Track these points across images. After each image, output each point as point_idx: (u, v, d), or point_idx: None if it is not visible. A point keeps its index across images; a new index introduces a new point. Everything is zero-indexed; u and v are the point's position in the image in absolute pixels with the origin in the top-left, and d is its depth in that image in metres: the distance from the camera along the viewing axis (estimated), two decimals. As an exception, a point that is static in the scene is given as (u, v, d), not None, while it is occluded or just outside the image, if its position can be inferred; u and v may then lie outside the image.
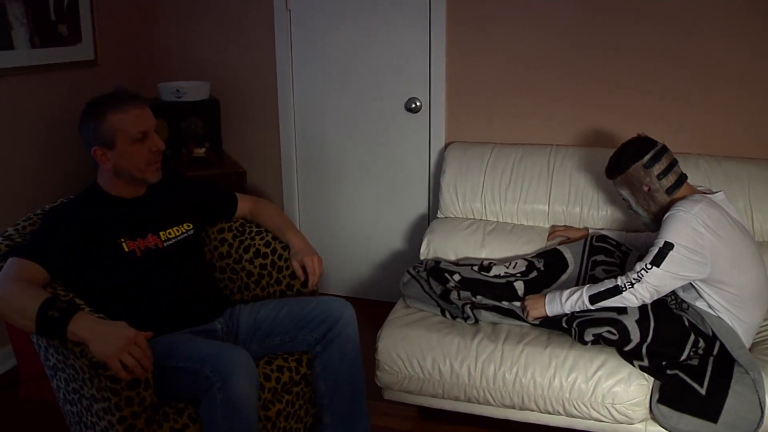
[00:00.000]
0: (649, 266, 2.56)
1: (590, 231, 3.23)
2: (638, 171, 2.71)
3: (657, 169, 2.69)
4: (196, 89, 3.76)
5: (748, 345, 2.69)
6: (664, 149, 2.73)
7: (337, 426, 2.56)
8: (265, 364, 2.51)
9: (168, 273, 2.51)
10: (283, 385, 2.52)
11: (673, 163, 2.72)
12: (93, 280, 2.36)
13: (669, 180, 2.70)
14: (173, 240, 2.56)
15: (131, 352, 2.03)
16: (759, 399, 2.50)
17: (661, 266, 2.54)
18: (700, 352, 2.66)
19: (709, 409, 2.53)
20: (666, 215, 2.61)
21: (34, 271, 2.22)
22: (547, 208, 3.39)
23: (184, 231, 2.61)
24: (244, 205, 2.90)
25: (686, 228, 2.54)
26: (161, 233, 2.54)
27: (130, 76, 4.12)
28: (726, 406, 2.51)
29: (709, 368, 2.61)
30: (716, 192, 2.73)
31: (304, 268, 2.68)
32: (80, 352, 2.07)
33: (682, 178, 2.72)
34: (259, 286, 2.86)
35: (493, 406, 2.80)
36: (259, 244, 2.84)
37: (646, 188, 2.72)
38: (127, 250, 2.43)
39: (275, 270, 2.81)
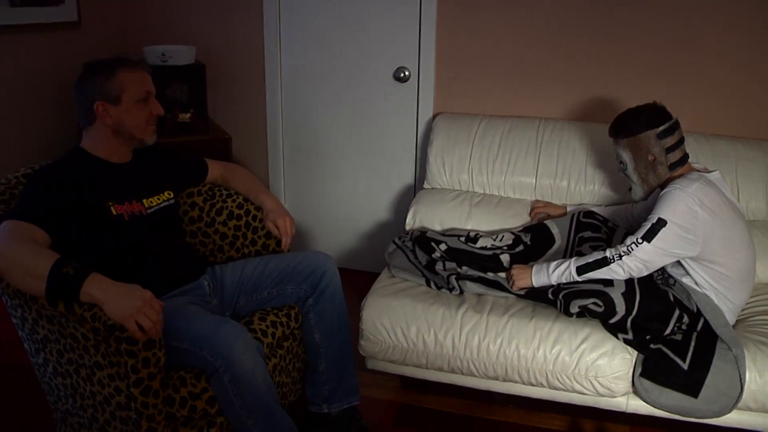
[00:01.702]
0: (640, 240, 2.56)
1: (568, 208, 3.23)
2: (649, 139, 2.68)
3: (668, 142, 2.67)
4: (182, 53, 3.70)
5: (732, 323, 2.71)
6: (677, 124, 2.70)
7: (332, 372, 2.68)
8: (259, 321, 2.56)
9: (153, 238, 2.53)
10: (277, 340, 2.57)
11: (682, 140, 2.70)
12: (82, 243, 2.34)
13: (675, 155, 2.69)
14: (156, 207, 2.58)
15: (146, 314, 2.03)
16: (740, 375, 2.51)
17: (652, 242, 2.54)
18: (684, 327, 2.67)
19: (691, 383, 2.54)
20: (662, 192, 2.61)
21: (35, 233, 2.19)
22: (534, 181, 3.38)
23: (165, 199, 2.64)
24: (215, 169, 2.92)
25: (681, 206, 2.53)
26: (144, 201, 2.55)
27: (114, 39, 4.05)
28: (707, 382, 2.53)
29: (693, 344, 2.62)
30: (712, 171, 2.72)
31: (278, 228, 2.75)
32: (92, 316, 2.04)
33: (685, 157, 2.71)
34: (233, 248, 2.88)
35: (476, 377, 2.80)
36: (232, 206, 2.86)
37: (651, 158, 2.69)
38: (115, 213, 2.43)
39: (250, 231, 2.84)
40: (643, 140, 2.68)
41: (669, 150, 2.67)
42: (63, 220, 2.28)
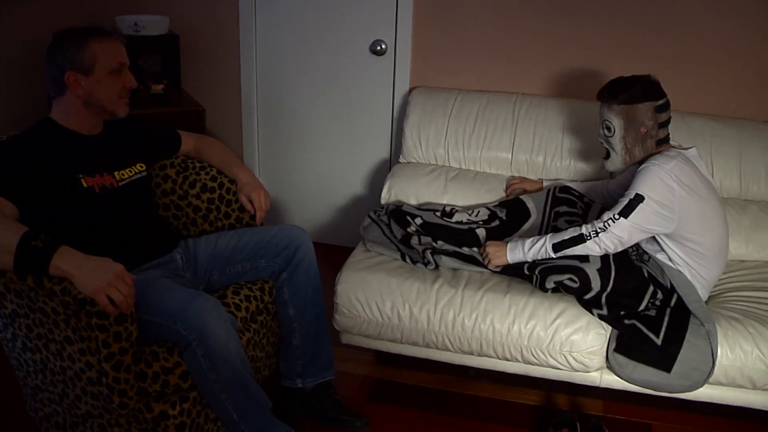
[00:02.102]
0: (616, 217, 2.56)
1: (544, 183, 3.23)
2: (647, 110, 2.64)
3: (662, 117, 2.65)
4: (155, 24, 3.64)
5: (704, 299, 2.73)
6: (669, 102, 2.69)
7: (306, 347, 2.68)
8: (233, 294, 2.54)
9: (125, 211, 2.49)
10: (251, 314, 2.55)
11: (670, 119, 2.69)
12: (52, 216, 2.30)
13: (663, 132, 2.68)
14: (127, 180, 2.53)
15: (117, 287, 1.99)
16: (712, 350, 2.53)
17: (629, 218, 2.54)
18: (658, 303, 2.69)
19: (664, 359, 2.56)
20: (640, 168, 2.60)
21: (3, 205, 2.15)
22: (510, 156, 3.37)
23: (137, 171, 2.59)
24: (188, 141, 2.88)
25: (659, 182, 2.53)
26: (116, 173, 2.50)
27: (85, 8, 3.96)
28: (680, 357, 2.55)
29: (666, 319, 2.63)
30: (689, 148, 2.72)
31: (252, 202, 2.71)
32: (61, 290, 2.01)
33: (668, 136, 2.71)
34: (207, 221, 2.85)
35: (451, 351, 2.80)
36: (205, 179, 2.83)
37: (644, 130, 2.66)
38: (86, 186, 2.39)
39: (224, 204, 2.82)
40: (640, 110, 2.64)
41: (661, 125, 2.66)
42: (31, 192, 2.24)
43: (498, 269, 2.80)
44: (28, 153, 2.30)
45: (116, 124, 2.58)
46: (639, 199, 2.53)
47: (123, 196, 2.49)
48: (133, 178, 2.56)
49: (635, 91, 2.64)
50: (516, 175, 3.39)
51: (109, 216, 2.43)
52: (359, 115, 3.93)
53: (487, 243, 2.83)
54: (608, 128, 2.71)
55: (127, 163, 2.57)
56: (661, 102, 2.64)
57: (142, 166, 2.62)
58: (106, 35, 2.42)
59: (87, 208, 2.38)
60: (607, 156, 2.77)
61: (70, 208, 2.34)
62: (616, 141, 2.70)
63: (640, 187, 2.54)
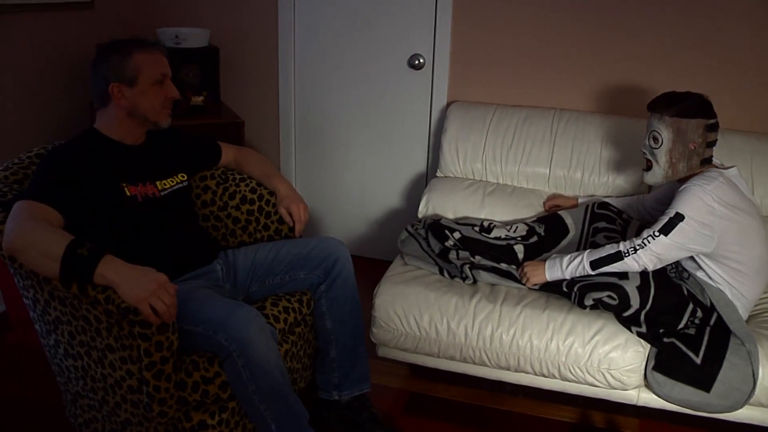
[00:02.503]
0: (657, 234, 2.54)
1: (579, 200, 3.21)
2: (699, 127, 2.60)
3: (711, 136, 2.63)
4: (196, 36, 3.68)
5: (745, 318, 2.69)
6: (719, 124, 2.67)
7: (343, 359, 2.69)
8: (272, 306, 2.55)
9: (166, 220, 2.51)
10: (289, 326, 2.56)
11: (716, 141, 2.66)
12: (96, 224, 2.33)
13: (709, 152, 2.65)
14: (169, 190, 2.56)
15: (160, 297, 2.02)
16: (753, 371, 2.50)
17: (669, 236, 2.53)
18: (697, 321, 2.66)
19: (703, 378, 2.53)
20: (682, 187, 2.58)
21: (49, 213, 2.18)
22: (548, 171, 3.36)
23: (179, 181, 2.62)
24: (229, 153, 2.91)
25: (700, 203, 2.51)
26: (158, 183, 2.53)
27: (127, 20, 4.03)
28: (720, 377, 2.52)
29: (706, 338, 2.61)
30: (730, 167, 2.69)
31: (291, 214, 2.73)
32: (105, 298, 2.03)
33: (712, 157, 2.68)
34: (246, 233, 2.86)
35: (488, 366, 2.79)
36: (245, 191, 2.85)
37: (692, 146, 2.62)
38: (128, 194, 2.42)
39: (263, 215, 2.83)
40: (692, 126, 2.60)
41: (709, 145, 2.63)
42: (76, 201, 2.27)
43: (536, 287, 2.79)
44: (72, 162, 2.33)
45: (159, 135, 2.61)
46: (679, 218, 2.51)
47: (165, 206, 2.52)
48: (174, 188, 2.59)
49: (689, 106, 2.61)
50: (554, 190, 3.38)
51: (151, 225, 2.46)
52: (396, 129, 3.94)
53: (525, 263, 2.83)
54: (655, 139, 2.66)
55: (168, 173, 2.59)
56: (712, 121, 2.62)
57: (183, 176, 2.65)
58: (149, 46, 2.45)
59: (130, 216, 2.41)
60: (649, 168, 2.72)
61: (114, 216, 2.37)
62: (662, 153, 2.65)
63: (681, 206, 2.53)
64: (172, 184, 2.59)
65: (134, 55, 2.39)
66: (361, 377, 2.71)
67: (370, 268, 3.79)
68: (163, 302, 2.02)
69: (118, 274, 2.02)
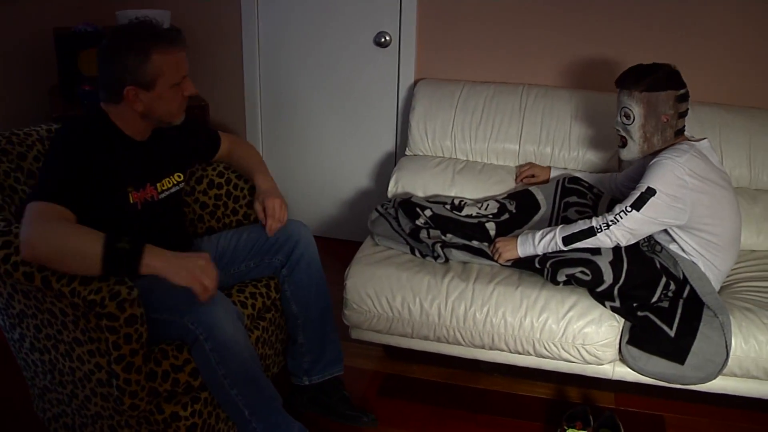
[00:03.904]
0: (628, 209, 2.53)
1: (552, 171, 3.21)
2: (670, 98, 2.59)
3: (682, 107, 2.61)
4: (157, 18, 3.58)
5: (717, 289, 2.71)
6: (689, 93, 2.65)
7: (312, 343, 2.64)
8: (238, 293, 2.51)
9: (158, 223, 2.43)
10: (258, 311, 2.53)
11: (688, 110, 2.66)
12: (94, 225, 2.17)
13: (681, 123, 2.64)
14: (166, 192, 2.47)
15: (207, 274, 2.07)
16: (726, 342, 2.51)
17: (641, 210, 2.52)
18: (671, 294, 2.67)
19: (677, 350, 2.54)
20: (653, 161, 2.57)
21: (65, 214, 2.07)
22: (518, 147, 3.34)
23: (175, 182, 2.52)
24: (225, 144, 2.77)
25: (671, 176, 2.50)
26: (158, 185, 2.43)
27: (86, 3, 3.93)
28: (693, 349, 2.53)
29: (679, 311, 2.61)
30: (701, 139, 2.68)
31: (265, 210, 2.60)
32: (70, 291, 1.98)
33: (684, 128, 2.67)
34: (214, 218, 2.82)
35: (462, 345, 2.78)
36: (212, 175, 2.80)
37: (664, 119, 2.61)
38: (131, 201, 2.32)
39: (231, 200, 2.78)
40: (662, 98, 2.59)
41: (681, 115, 2.62)
42: (86, 202, 2.16)
43: (508, 263, 2.77)
44: (86, 159, 2.18)
45: (164, 128, 2.46)
46: (651, 192, 2.50)
47: (160, 210, 2.43)
48: (171, 190, 2.49)
49: (658, 78, 2.59)
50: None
51: (145, 230, 2.34)
52: (364, 108, 3.91)
53: (497, 239, 2.81)
54: (627, 116, 2.65)
55: (167, 172, 2.48)
56: (682, 91, 2.60)
57: (180, 177, 2.54)
58: (168, 43, 2.23)
59: (126, 222, 2.31)
60: (624, 145, 2.71)
61: (112, 220, 2.24)
62: (635, 129, 2.64)
63: (652, 180, 2.52)
64: (170, 185, 2.48)
65: (153, 56, 2.18)
66: (332, 361, 2.68)
67: (341, 249, 3.76)
68: (210, 278, 2.07)
69: (164, 261, 2.04)
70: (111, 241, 1.99)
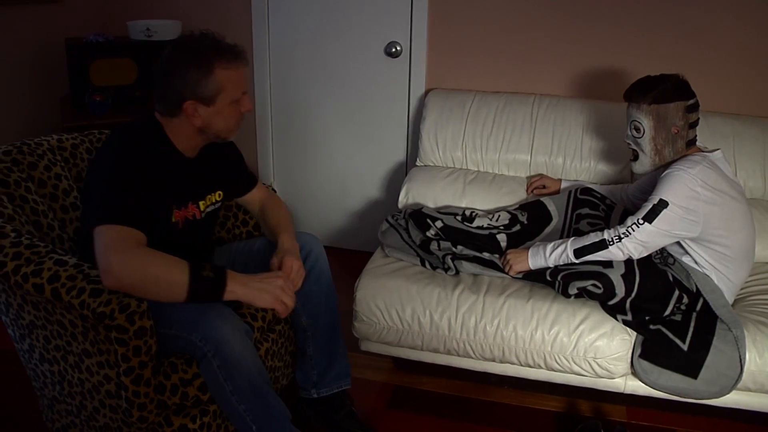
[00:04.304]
0: (641, 222, 2.51)
1: (563, 183, 3.19)
2: (679, 110, 2.56)
3: (692, 117, 2.59)
4: (167, 28, 3.62)
5: (730, 302, 2.68)
6: (698, 103, 2.62)
7: (320, 356, 2.62)
8: (247, 306, 2.47)
9: (192, 241, 2.41)
10: (268, 323, 2.51)
11: (698, 120, 2.63)
12: None
13: (692, 133, 2.62)
14: (208, 210, 2.44)
15: (288, 293, 2.17)
16: (740, 356, 2.48)
17: (653, 223, 2.49)
18: (683, 307, 2.64)
19: (690, 365, 2.51)
20: (665, 173, 2.54)
21: (139, 238, 2.06)
22: (529, 158, 3.33)
23: (216, 200, 2.49)
24: (260, 191, 2.68)
25: (684, 188, 2.48)
26: (200, 203, 2.40)
27: (97, 14, 3.95)
28: (707, 363, 2.50)
29: (692, 324, 2.58)
30: (714, 150, 2.66)
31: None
32: (80, 303, 1.98)
33: (695, 138, 2.65)
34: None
35: (472, 358, 2.76)
36: None
37: (675, 130, 2.58)
38: (173, 220, 2.30)
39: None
40: (672, 110, 2.56)
41: (691, 126, 2.60)
42: (146, 219, 2.14)
43: (519, 275, 2.75)
44: (142, 175, 2.14)
45: (212, 145, 2.41)
46: (663, 204, 2.48)
47: (197, 229, 2.40)
48: (209, 209, 2.45)
49: (665, 90, 2.56)
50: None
51: (179, 247, 2.26)
52: (374, 118, 3.90)
53: (508, 251, 2.79)
54: (637, 129, 2.63)
55: (210, 189, 2.44)
56: (691, 102, 2.58)
57: (220, 195, 2.50)
58: (231, 58, 2.19)
59: (166, 241, 2.22)
60: (636, 158, 2.68)
61: (154, 237, 2.19)
62: (646, 142, 2.62)
63: (665, 192, 2.49)
64: (211, 202, 2.45)
65: (216, 72, 2.15)
66: (340, 374, 2.65)
67: (351, 260, 3.75)
68: (290, 296, 2.17)
69: (246, 287, 2.11)
70: (196, 271, 2.04)
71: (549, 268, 2.68)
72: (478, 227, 2.94)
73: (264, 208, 2.65)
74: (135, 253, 2.00)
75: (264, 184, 2.74)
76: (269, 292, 2.13)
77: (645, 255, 2.59)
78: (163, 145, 2.25)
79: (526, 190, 3.25)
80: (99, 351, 2.07)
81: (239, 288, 2.10)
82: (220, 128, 2.26)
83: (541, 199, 3.06)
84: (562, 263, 2.65)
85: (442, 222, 2.93)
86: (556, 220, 2.96)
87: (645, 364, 2.55)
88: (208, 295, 2.06)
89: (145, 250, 2.04)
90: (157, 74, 2.20)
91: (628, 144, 2.69)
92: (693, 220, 2.51)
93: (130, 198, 2.08)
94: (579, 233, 2.76)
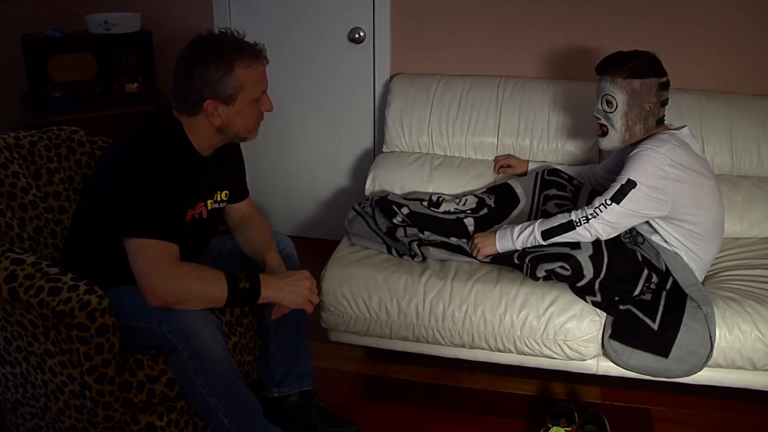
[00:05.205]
0: (608, 202, 2.49)
1: (530, 164, 3.17)
2: (652, 86, 2.53)
3: (664, 95, 2.57)
4: (126, 21, 3.57)
5: (701, 279, 2.68)
6: (669, 82, 2.60)
7: (284, 354, 2.60)
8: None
9: (194, 237, 2.38)
10: (236, 318, 2.50)
11: (668, 99, 2.61)
12: None
13: (662, 111, 2.60)
14: (213, 208, 2.41)
15: (314, 292, 2.27)
16: (710, 333, 2.48)
17: (621, 203, 2.47)
18: (653, 287, 2.63)
19: (661, 344, 2.51)
20: (633, 152, 2.52)
21: (174, 251, 2.10)
22: (496, 140, 3.30)
23: (222, 199, 2.46)
24: (247, 205, 2.63)
25: (652, 167, 2.46)
26: (209, 201, 2.38)
27: (53, 7, 3.87)
28: (677, 341, 2.50)
29: (662, 303, 2.58)
30: (681, 128, 2.64)
31: None
32: (38, 302, 1.95)
33: (664, 117, 2.63)
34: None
35: (442, 345, 2.74)
36: None
37: (648, 107, 2.55)
38: (186, 219, 2.27)
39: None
40: (646, 86, 2.53)
41: (663, 103, 2.58)
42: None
43: (487, 259, 2.73)
44: (168, 182, 2.12)
45: (224, 146, 2.39)
46: (631, 184, 2.46)
47: (202, 227, 2.38)
48: (215, 207, 2.43)
49: (640, 65, 2.53)
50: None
51: (186, 244, 2.24)
52: (340, 105, 3.86)
53: (476, 235, 2.77)
54: (609, 103, 2.57)
55: (219, 187, 2.43)
56: (664, 79, 2.56)
57: (226, 194, 2.48)
58: (252, 57, 2.19)
59: (174, 238, 2.19)
60: (604, 134, 2.64)
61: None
62: (617, 117, 2.57)
63: (632, 172, 2.47)
64: (218, 199, 2.43)
65: (236, 70, 2.13)
66: (303, 374, 2.62)
67: (319, 249, 3.71)
68: (317, 294, 2.29)
69: (279, 291, 2.21)
70: (234, 283, 2.11)
71: (517, 250, 2.66)
72: (445, 212, 2.91)
73: (247, 222, 2.60)
74: (176, 272, 2.06)
75: None
76: (300, 294, 2.23)
77: (614, 236, 2.57)
78: (182, 145, 2.23)
79: (494, 169, 3.23)
80: (61, 351, 2.05)
81: (273, 293, 2.19)
82: (239, 128, 2.25)
83: (509, 181, 3.03)
84: (529, 245, 2.63)
85: (408, 208, 2.90)
86: (523, 203, 2.94)
87: (616, 344, 2.54)
88: (244, 303, 2.20)
89: (185, 267, 2.10)
90: (175, 73, 2.18)
91: (598, 119, 2.64)
92: (662, 199, 2.50)
93: (160, 209, 2.09)
94: (547, 215, 2.74)
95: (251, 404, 2.23)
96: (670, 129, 2.63)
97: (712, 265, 2.81)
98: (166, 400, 2.21)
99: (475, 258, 2.75)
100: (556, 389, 2.89)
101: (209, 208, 2.38)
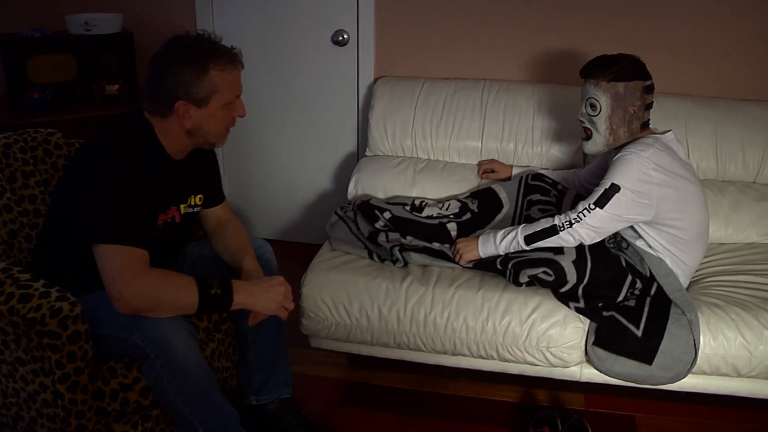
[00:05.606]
0: (592, 207, 2.46)
1: (514, 169, 3.15)
2: (636, 89, 2.51)
3: (649, 98, 2.55)
4: (107, 22, 3.53)
5: (685, 285, 2.66)
6: (654, 85, 2.58)
7: (263, 361, 2.55)
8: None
9: (166, 241, 2.34)
10: (214, 324, 2.46)
11: (653, 103, 2.59)
12: None
13: (647, 115, 2.58)
14: (186, 212, 2.38)
15: (289, 298, 2.23)
16: (694, 340, 2.46)
17: (605, 208, 2.45)
18: (637, 293, 2.61)
19: (645, 351, 2.49)
20: (617, 156, 2.50)
21: (143, 256, 2.06)
22: (480, 144, 3.28)
23: (197, 203, 2.43)
24: (223, 210, 2.59)
25: (635, 171, 2.43)
26: (182, 206, 2.34)
27: (33, 7, 3.83)
28: (661, 348, 2.47)
29: (646, 309, 2.56)
30: (666, 132, 2.62)
31: None
32: (8, 309, 1.93)
33: (649, 121, 2.60)
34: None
35: (424, 351, 2.71)
36: None
37: (632, 110, 2.53)
38: (158, 224, 2.24)
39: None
40: (630, 89, 2.51)
41: (648, 107, 2.56)
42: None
43: (470, 265, 2.70)
44: (137, 186, 2.09)
45: (197, 150, 2.37)
46: (615, 188, 2.43)
47: (175, 230, 2.35)
48: (188, 211, 2.39)
49: (625, 68, 2.52)
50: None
51: (156, 249, 2.19)
52: (324, 108, 3.83)
53: (458, 240, 2.74)
54: (593, 106, 2.56)
55: (192, 191, 2.39)
56: (648, 83, 2.54)
57: (200, 199, 2.44)
58: (227, 60, 2.16)
59: (145, 242, 2.16)
60: (588, 137, 2.61)
61: None
62: (601, 120, 2.55)
63: (616, 176, 2.44)
64: (191, 205, 2.40)
65: (211, 72, 2.11)
66: (283, 381, 2.58)
67: (301, 253, 3.67)
68: (291, 300, 2.24)
69: (251, 297, 2.16)
70: (205, 290, 2.08)
71: (500, 256, 2.63)
72: (427, 217, 2.89)
73: (224, 227, 2.55)
74: (145, 279, 2.03)
75: None
76: (273, 300, 2.19)
77: (597, 241, 2.55)
78: (154, 148, 2.20)
79: (479, 174, 3.21)
80: (33, 358, 2.01)
81: (245, 298, 2.15)
82: (209, 131, 2.21)
83: (492, 186, 3.01)
84: (512, 250, 2.60)
85: (391, 213, 2.87)
86: (507, 208, 2.92)
87: (599, 351, 2.52)
88: (216, 309, 2.17)
89: (154, 274, 2.06)
90: (149, 72, 2.15)
91: (582, 122, 2.62)
92: (646, 204, 2.47)
93: (129, 214, 2.06)
94: (530, 220, 2.72)
95: (227, 412, 2.19)
96: (655, 133, 2.61)
97: (696, 271, 2.79)
98: (141, 408, 2.18)
99: (457, 263, 2.72)
100: (540, 396, 2.86)
101: (182, 212, 2.35)
